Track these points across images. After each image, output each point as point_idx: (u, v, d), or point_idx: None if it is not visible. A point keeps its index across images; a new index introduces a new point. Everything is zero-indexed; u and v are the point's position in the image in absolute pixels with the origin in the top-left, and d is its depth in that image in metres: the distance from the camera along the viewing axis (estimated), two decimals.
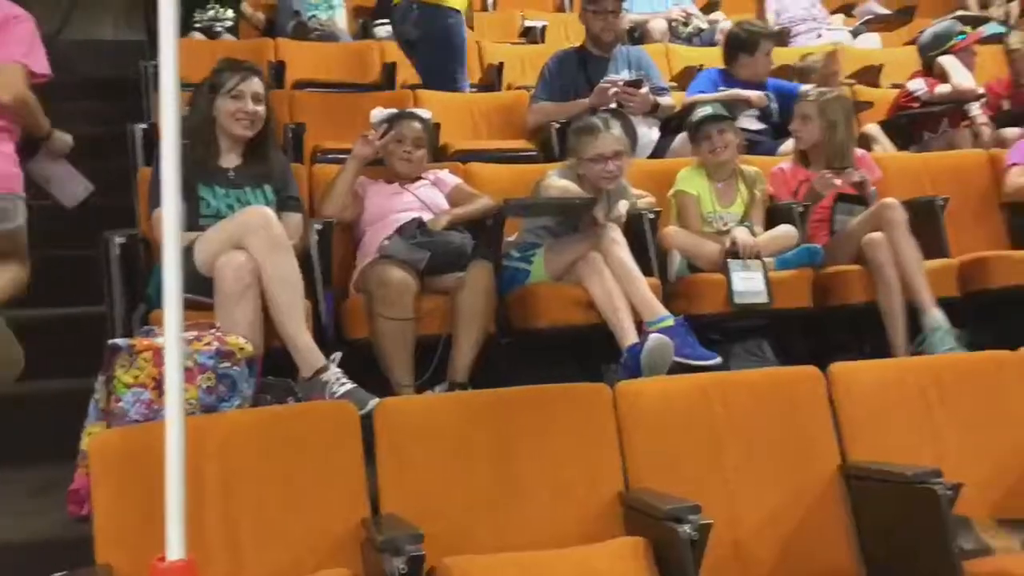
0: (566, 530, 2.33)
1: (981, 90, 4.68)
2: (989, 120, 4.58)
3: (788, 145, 4.30)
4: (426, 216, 3.23)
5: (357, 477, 2.29)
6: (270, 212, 2.89)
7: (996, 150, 4.21)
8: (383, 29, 5.54)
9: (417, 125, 3.50)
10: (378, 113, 3.57)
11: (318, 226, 3.11)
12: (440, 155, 3.99)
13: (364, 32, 5.94)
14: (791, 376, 2.70)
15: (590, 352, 3.25)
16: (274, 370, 2.76)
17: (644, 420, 2.50)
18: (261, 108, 3.15)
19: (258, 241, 2.76)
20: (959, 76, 4.62)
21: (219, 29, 5.71)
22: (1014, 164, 3.97)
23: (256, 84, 3.16)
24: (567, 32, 5.89)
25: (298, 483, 2.25)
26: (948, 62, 4.67)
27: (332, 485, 2.27)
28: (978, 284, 3.49)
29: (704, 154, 3.67)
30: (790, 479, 2.57)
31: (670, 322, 3.06)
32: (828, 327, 3.57)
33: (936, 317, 3.29)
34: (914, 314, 3.35)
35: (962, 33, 4.91)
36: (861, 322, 3.48)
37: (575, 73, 4.36)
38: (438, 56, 4.59)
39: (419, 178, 3.50)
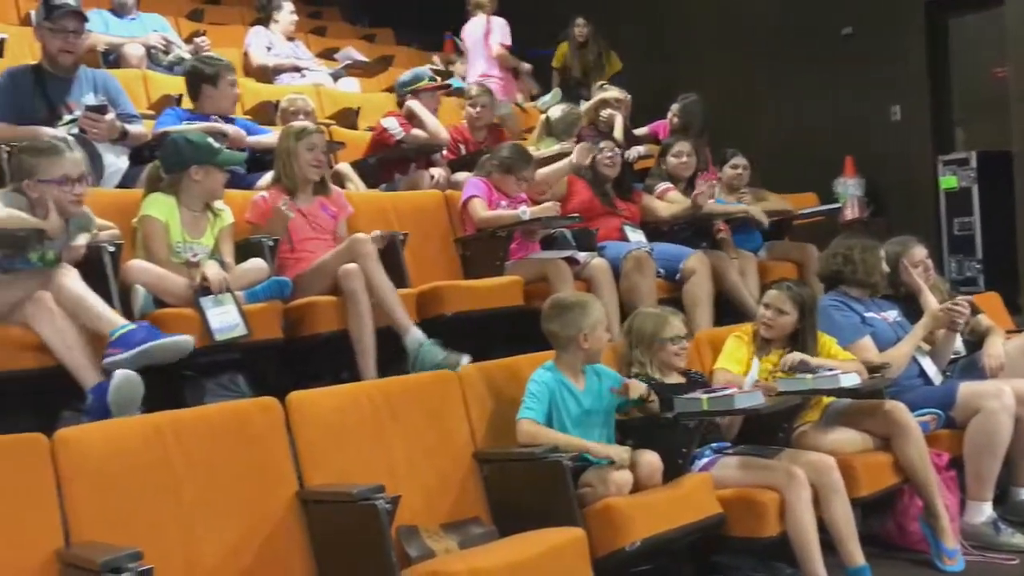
0: None
1: (446, 135, 5.14)
2: (447, 164, 5.09)
3: (266, 178, 4.37)
4: None
5: None
6: None
7: (451, 191, 4.70)
8: None
9: None
10: None
11: None
12: None
13: None
14: (248, 408, 2.73)
15: (53, 398, 2.97)
16: None
17: (88, 469, 2.34)
18: None
19: None
20: (429, 119, 5.03)
21: None
22: (471, 197, 4.42)
23: None
24: (32, 49, 5.35)
25: None
26: (416, 107, 5.08)
27: None
28: (435, 310, 3.85)
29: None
30: (250, 511, 2.59)
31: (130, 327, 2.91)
32: (304, 357, 3.66)
33: (416, 335, 3.54)
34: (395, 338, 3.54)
35: (432, 79, 5.41)
36: (337, 350, 3.63)
37: (31, 92, 3.99)
38: None
39: None
